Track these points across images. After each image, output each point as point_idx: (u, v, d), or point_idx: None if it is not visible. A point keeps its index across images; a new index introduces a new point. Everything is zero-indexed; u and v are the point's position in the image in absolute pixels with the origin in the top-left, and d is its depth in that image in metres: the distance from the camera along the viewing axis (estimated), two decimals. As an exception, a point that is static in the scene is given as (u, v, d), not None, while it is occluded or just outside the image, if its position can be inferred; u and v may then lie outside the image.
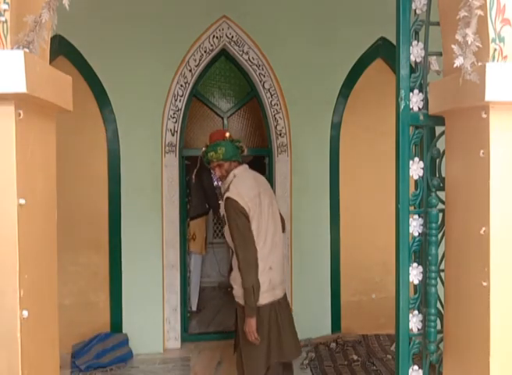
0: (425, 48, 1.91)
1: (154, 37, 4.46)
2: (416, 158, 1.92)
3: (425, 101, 1.89)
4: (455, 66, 1.41)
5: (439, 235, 1.89)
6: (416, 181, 1.94)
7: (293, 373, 3.09)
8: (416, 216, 1.93)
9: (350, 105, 4.80)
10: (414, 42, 1.90)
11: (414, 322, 1.93)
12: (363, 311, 4.86)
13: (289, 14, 4.65)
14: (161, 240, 4.56)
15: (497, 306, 1.48)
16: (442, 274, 1.88)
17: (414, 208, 1.94)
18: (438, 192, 1.91)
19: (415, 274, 1.92)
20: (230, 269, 2.97)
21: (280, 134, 4.74)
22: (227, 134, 2.97)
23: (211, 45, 4.58)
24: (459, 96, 1.56)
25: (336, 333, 4.76)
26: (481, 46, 1.40)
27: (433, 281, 1.88)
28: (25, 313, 1.38)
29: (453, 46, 1.41)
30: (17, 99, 1.36)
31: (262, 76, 4.67)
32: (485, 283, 1.50)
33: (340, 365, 4.19)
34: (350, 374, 4.02)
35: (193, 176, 5.28)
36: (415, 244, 1.93)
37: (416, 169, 1.92)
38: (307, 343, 4.55)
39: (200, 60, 4.58)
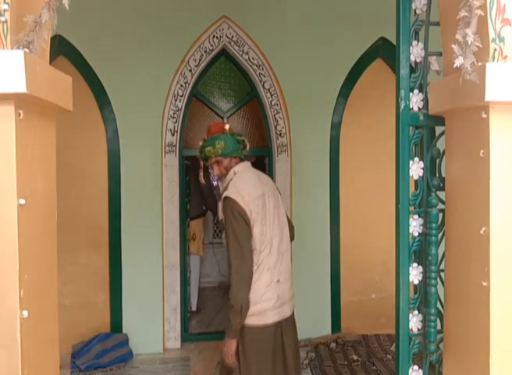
0: (425, 48, 1.91)
1: (154, 37, 4.47)
2: (416, 158, 1.92)
3: (425, 101, 1.89)
4: (455, 66, 1.41)
5: (439, 235, 1.89)
6: (416, 181, 1.94)
7: None
8: (416, 216, 1.93)
9: (350, 105, 4.80)
10: (414, 42, 1.90)
11: (414, 322, 1.93)
12: (363, 311, 4.86)
13: (289, 14, 4.65)
14: (161, 240, 4.56)
15: (497, 306, 1.48)
16: (442, 274, 1.88)
17: (414, 208, 1.94)
18: (438, 192, 1.91)
19: (415, 274, 1.92)
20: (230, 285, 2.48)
21: (280, 134, 4.74)
22: (226, 127, 2.60)
23: (211, 45, 4.58)
24: (459, 96, 1.56)
25: (335, 333, 4.76)
26: (481, 46, 1.40)
27: (433, 281, 1.88)
28: (25, 313, 1.37)
29: (453, 46, 1.41)
30: (17, 99, 1.36)
31: (262, 76, 4.67)
32: (485, 283, 1.50)
33: (340, 365, 4.19)
34: (350, 374, 4.02)
35: (201, 177, 5.26)
36: (415, 244, 1.93)
37: (416, 169, 1.91)
38: (307, 343, 4.55)
39: (200, 60, 4.58)
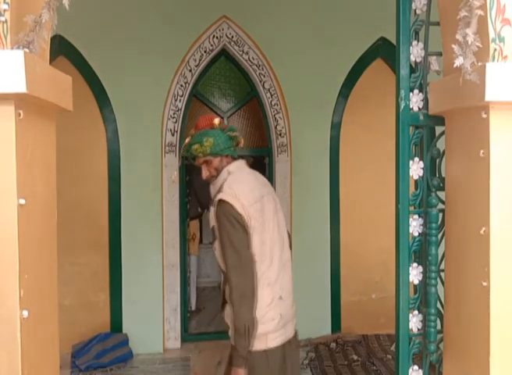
0: (425, 48, 1.91)
1: (154, 37, 4.46)
2: (416, 158, 1.92)
3: (425, 101, 1.89)
4: (455, 66, 1.41)
5: (439, 235, 1.89)
6: (416, 181, 1.94)
7: None
8: (416, 216, 1.93)
9: (350, 105, 4.81)
10: (414, 42, 1.90)
11: (414, 322, 1.92)
12: (363, 311, 4.86)
13: (289, 14, 4.65)
14: (161, 240, 4.56)
15: (497, 306, 1.48)
16: (442, 274, 1.88)
17: (414, 208, 1.94)
18: (438, 192, 1.91)
19: (415, 274, 1.92)
20: (224, 302, 2.24)
21: (280, 134, 4.74)
22: (216, 121, 2.24)
23: (211, 45, 4.58)
24: (459, 96, 1.56)
25: (335, 333, 4.76)
26: (481, 46, 1.40)
27: (433, 281, 1.88)
28: (25, 313, 1.37)
29: (453, 46, 1.41)
30: (17, 99, 1.36)
31: (262, 76, 4.67)
32: (485, 283, 1.50)
33: (340, 365, 4.19)
34: (350, 374, 4.02)
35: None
36: (415, 244, 1.93)
37: (416, 169, 1.91)
38: (307, 343, 4.55)
39: (200, 60, 4.58)
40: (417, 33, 1.91)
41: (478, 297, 1.54)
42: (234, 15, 4.57)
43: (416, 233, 1.93)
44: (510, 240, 1.49)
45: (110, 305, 4.53)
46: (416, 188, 1.94)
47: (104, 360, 4.19)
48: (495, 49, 1.45)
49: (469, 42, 1.36)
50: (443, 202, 1.86)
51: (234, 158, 2.27)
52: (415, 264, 1.93)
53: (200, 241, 6.88)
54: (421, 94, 1.90)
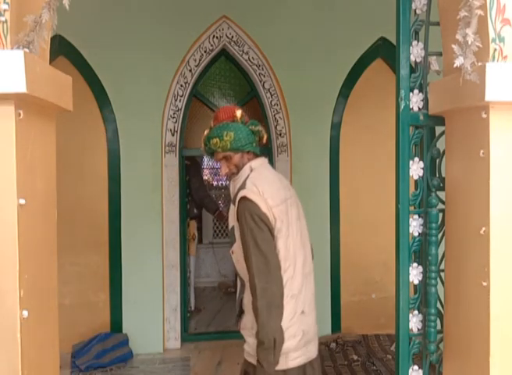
0: (425, 48, 1.91)
1: (154, 37, 4.46)
2: (416, 158, 1.92)
3: (425, 101, 1.89)
4: (455, 66, 1.41)
5: (439, 235, 1.89)
6: (416, 181, 1.94)
7: None
8: (416, 216, 1.93)
9: (350, 105, 4.80)
10: (414, 42, 1.90)
11: (414, 322, 1.93)
12: (363, 311, 4.85)
13: (289, 14, 4.65)
14: (161, 240, 4.56)
15: (497, 306, 1.48)
16: (442, 274, 1.88)
17: (414, 208, 1.94)
18: (438, 192, 1.91)
19: (415, 274, 1.92)
20: (240, 312, 2.05)
21: (280, 134, 4.74)
22: (238, 113, 2.05)
23: (211, 45, 4.58)
24: (459, 96, 1.56)
25: (335, 333, 4.75)
26: (481, 46, 1.40)
27: (433, 281, 1.88)
28: (25, 313, 1.38)
29: (453, 46, 1.41)
30: (17, 99, 1.36)
31: (262, 76, 4.67)
32: (485, 283, 1.50)
33: (340, 365, 4.19)
34: (350, 374, 4.02)
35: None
36: (415, 244, 1.93)
37: (416, 169, 1.92)
38: (307, 343, 4.55)
39: (200, 60, 4.58)
40: (417, 33, 1.91)
41: (478, 297, 1.54)
42: (234, 15, 4.57)
43: (416, 233, 1.93)
44: (510, 240, 1.49)
45: (110, 305, 4.53)
46: (416, 188, 1.94)
47: (104, 360, 4.18)
48: (495, 49, 1.45)
49: (469, 42, 1.37)
50: (443, 202, 1.86)
51: (256, 155, 2.08)
52: (415, 264, 1.93)
53: (200, 241, 6.89)
54: (421, 94, 1.90)
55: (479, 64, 1.44)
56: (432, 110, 1.83)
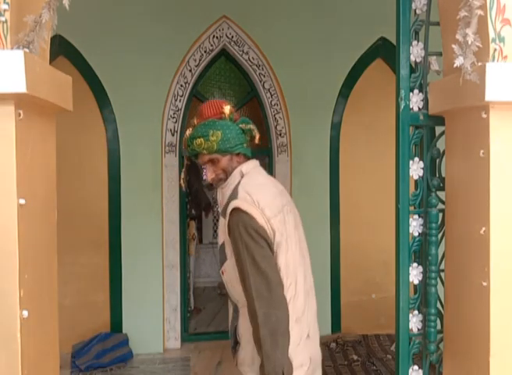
0: (425, 48, 1.91)
1: (154, 37, 4.46)
2: (416, 158, 1.92)
3: (425, 101, 1.89)
4: (455, 66, 1.41)
5: (439, 235, 1.89)
6: (416, 181, 1.94)
7: None
8: (416, 216, 1.93)
9: (350, 105, 4.80)
10: (414, 42, 1.90)
11: (414, 322, 1.93)
12: (363, 311, 4.85)
13: (289, 14, 4.65)
14: (161, 240, 4.56)
15: (497, 306, 1.48)
16: (442, 274, 1.88)
17: (414, 208, 1.94)
18: (438, 192, 1.91)
19: (415, 274, 1.92)
20: (235, 342, 1.78)
21: (280, 134, 4.74)
22: (226, 109, 1.75)
23: (211, 45, 4.58)
24: (459, 96, 1.56)
25: (336, 333, 4.75)
26: (481, 46, 1.40)
27: (433, 281, 1.88)
28: (25, 313, 1.38)
29: (453, 46, 1.41)
30: (17, 99, 1.36)
31: (262, 76, 4.67)
32: (485, 283, 1.50)
33: (340, 365, 4.19)
34: (350, 374, 4.02)
35: (182, 179, 5.22)
36: (415, 244, 1.93)
37: (416, 169, 1.92)
38: (307, 343, 4.55)
39: (200, 60, 4.58)
40: (417, 33, 1.91)
41: (478, 297, 1.54)
42: (234, 15, 4.57)
43: (416, 233, 1.93)
44: (510, 240, 1.49)
45: (110, 305, 4.53)
46: (416, 188, 1.94)
47: (104, 360, 4.18)
48: (495, 49, 1.45)
49: (469, 42, 1.37)
50: (443, 202, 1.86)
51: (247, 158, 1.83)
52: (415, 264, 1.93)
53: (200, 241, 6.89)
54: (421, 94, 1.90)
55: (479, 64, 1.44)
56: (432, 110, 1.83)
